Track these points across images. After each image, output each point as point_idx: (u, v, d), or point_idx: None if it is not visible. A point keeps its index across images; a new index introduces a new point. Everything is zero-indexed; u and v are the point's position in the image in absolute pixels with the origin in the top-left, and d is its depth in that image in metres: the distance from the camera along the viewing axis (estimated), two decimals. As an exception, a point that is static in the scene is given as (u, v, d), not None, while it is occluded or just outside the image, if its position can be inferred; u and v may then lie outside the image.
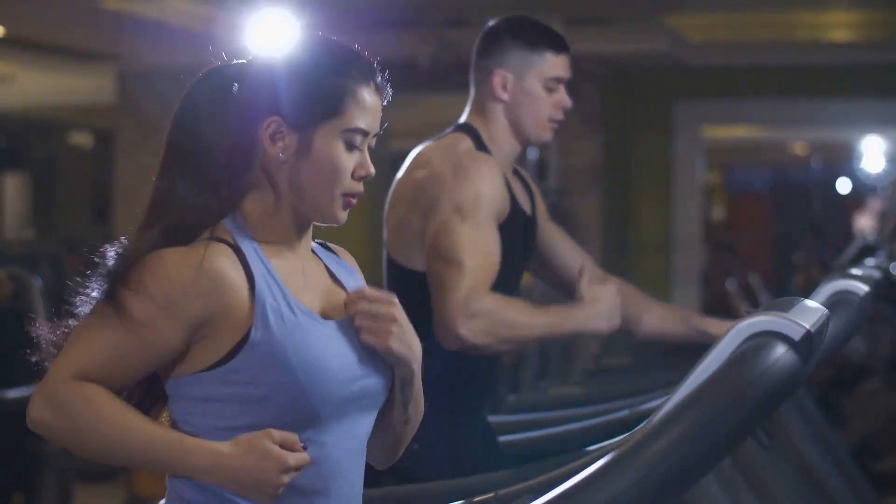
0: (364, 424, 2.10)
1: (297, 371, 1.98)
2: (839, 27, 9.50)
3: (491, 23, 3.28)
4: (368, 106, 2.07)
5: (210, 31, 8.40)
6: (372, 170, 2.09)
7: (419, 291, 3.08)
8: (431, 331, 3.01)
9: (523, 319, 3.04)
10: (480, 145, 3.20)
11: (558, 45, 3.23)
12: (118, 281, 1.99)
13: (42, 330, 2.09)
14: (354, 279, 2.19)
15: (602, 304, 3.12)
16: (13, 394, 5.81)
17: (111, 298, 1.99)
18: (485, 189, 3.09)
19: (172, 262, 1.99)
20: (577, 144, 9.42)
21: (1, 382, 5.79)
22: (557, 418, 3.62)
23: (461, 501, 2.43)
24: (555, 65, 3.22)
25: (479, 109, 3.25)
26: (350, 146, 2.06)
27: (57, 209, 16.01)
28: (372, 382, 2.08)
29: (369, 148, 2.11)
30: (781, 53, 9.84)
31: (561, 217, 9.44)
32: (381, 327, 2.05)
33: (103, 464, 2.04)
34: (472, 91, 3.27)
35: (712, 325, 3.44)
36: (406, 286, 3.04)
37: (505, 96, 3.21)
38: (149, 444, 1.97)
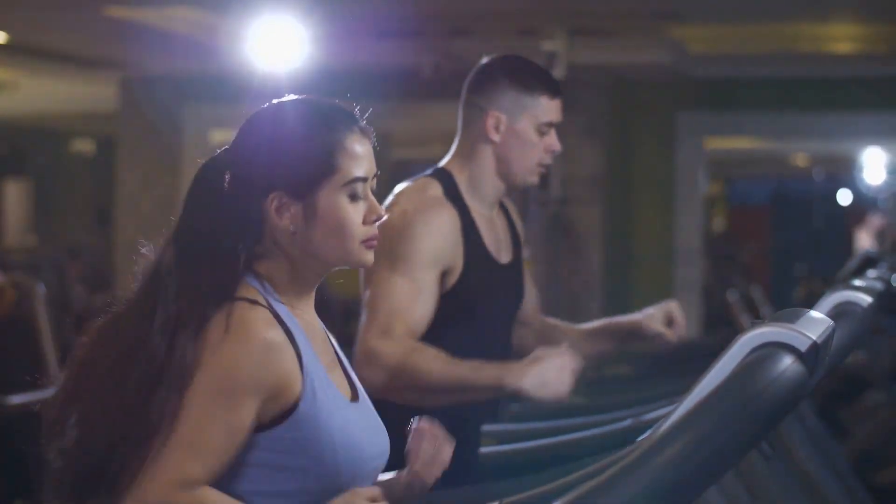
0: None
1: (337, 447, 2.01)
2: (841, 40, 9.51)
3: (485, 60, 3.24)
4: (360, 153, 2.07)
5: (213, 39, 8.41)
6: (382, 212, 2.10)
7: None
8: None
9: (427, 367, 2.97)
10: (452, 192, 3.17)
11: (553, 89, 3.20)
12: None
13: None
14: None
15: (539, 367, 3.00)
16: (16, 400, 5.81)
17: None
18: (424, 244, 3.07)
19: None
20: (579, 154, 9.41)
21: (3, 388, 5.80)
22: (559, 428, 3.62)
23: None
24: (549, 109, 3.18)
25: (467, 149, 3.22)
26: (354, 197, 2.06)
27: (59, 216, 16.02)
28: (385, 455, 2.14)
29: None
30: (783, 65, 9.85)
31: (562, 227, 9.44)
32: (433, 472, 2.14)
33: None
34: (460, 127, 3.23)
35: (624, 320, 3.46)
36: None
37: (496, 137, 3.17)
38: None
